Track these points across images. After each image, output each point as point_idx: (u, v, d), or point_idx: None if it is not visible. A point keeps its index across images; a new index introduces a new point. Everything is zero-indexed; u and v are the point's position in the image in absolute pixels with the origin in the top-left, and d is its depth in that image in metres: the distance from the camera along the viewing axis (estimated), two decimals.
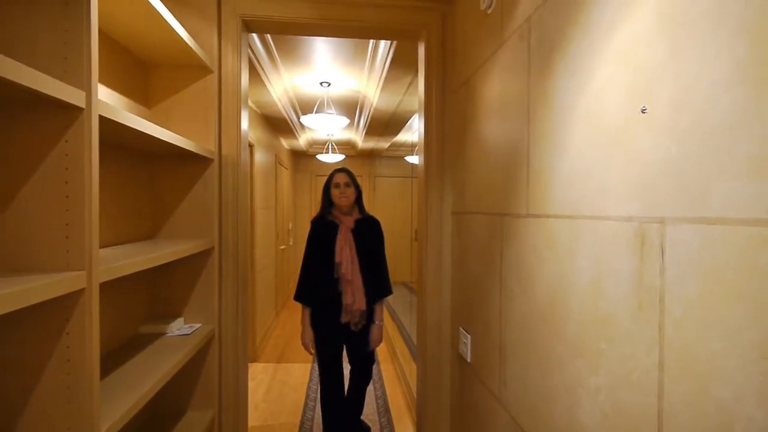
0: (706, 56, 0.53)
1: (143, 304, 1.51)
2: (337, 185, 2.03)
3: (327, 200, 2.07)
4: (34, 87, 0.65)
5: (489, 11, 1.30)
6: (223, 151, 1.62)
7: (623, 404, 0.68)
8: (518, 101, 1.09)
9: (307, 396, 2.84)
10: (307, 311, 2.08)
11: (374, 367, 2.23)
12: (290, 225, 6.02)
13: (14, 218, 0.74)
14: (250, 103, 3.34)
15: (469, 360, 1.48)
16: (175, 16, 1.43)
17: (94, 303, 0.79)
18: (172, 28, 1.20)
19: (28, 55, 0.74)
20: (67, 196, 0.76)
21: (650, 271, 0.62)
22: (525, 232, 1.04)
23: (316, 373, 3.27)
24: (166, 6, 1.40)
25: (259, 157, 3.85)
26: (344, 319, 1.98)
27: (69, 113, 0.75)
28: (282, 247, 5.30)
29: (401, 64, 2.40)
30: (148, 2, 1.04)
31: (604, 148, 0.73)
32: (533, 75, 1.01)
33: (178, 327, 1.50)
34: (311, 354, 2.11)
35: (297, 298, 2.08)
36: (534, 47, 1.01)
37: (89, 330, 0.77)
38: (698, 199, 0.54)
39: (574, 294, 0.82)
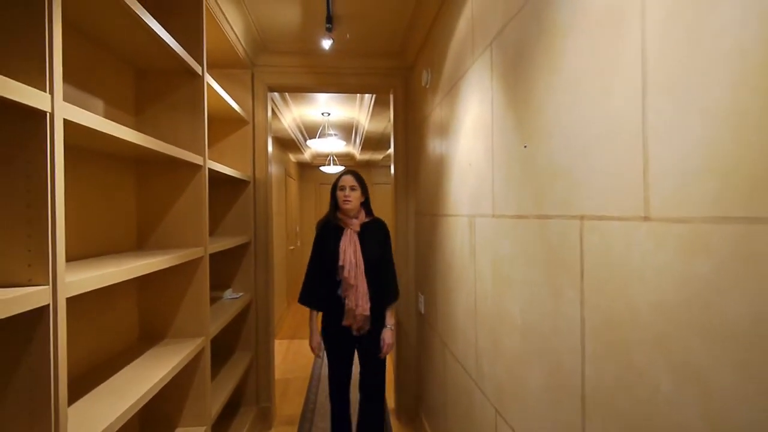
0: (478, 143, 1.28)
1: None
2: (343, 188, 1.94)
3: (333, 203, 1.99)
4: (185, 158, 1.40)
5: (427, 86, 2.05)
6: (256, 175, 2.38)
7: (467, 304, 1.42)
8: (439, 146, 1.84)
9: (315, 361, 3.58)
10: (314, 315, 2.02)
11: None
12: (297, 228, 6.78)
13: (172, 221, 1.49)
14: None
15: (423, 312, 2.23)
16: (226, 87, 2.20)
17: (206, 265, 1.54)
18: (230, 105, 1.96)
19: (177, 139, 1.49)
20: (195, 210, 1.51)
21: (472, 238, 1.36)
22: (442, 225, 1.79)
23: None
24: (222, 82, 2.17)
25: (273, 170, 4.62)
26: (345, 322, 1.89)
27: (197, 169, 1.51)
28: (291, 247, 6.06)
29: (382, 103, 3.16)
30: (222, 97, 1.80)
31: (460, 180, 1.48)
32: (443, 134, 1.76)
33: (229, 294, 2.25)
34: (318, 357, 2.05)
35: (301, 300, 2.01)
36: (444, 118, 1.76)
37: (205, 278, 1.52)
38: (480, 206, 1.28)
39: (455, 255, 1.56)
